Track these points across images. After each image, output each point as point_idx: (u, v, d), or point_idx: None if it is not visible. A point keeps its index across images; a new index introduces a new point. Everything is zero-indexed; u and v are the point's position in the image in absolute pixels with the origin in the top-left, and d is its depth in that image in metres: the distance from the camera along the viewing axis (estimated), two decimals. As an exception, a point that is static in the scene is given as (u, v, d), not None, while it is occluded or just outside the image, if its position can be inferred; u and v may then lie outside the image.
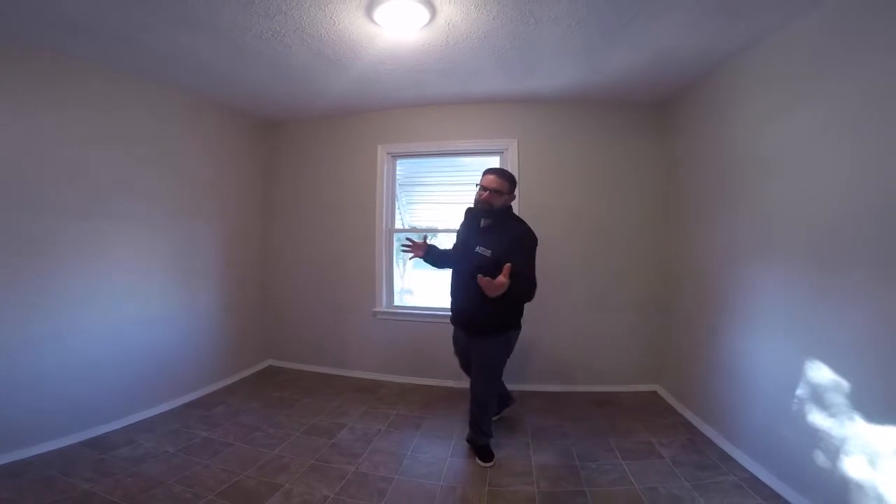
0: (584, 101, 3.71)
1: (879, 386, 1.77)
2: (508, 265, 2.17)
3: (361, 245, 4.16)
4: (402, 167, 4.24)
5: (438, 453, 2.75)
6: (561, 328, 3.77)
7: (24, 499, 2.15)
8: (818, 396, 2.05)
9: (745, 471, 2.47)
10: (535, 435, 2.98)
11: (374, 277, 4.12)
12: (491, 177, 2.53)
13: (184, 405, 3.44)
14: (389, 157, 4.15)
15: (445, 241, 2.89)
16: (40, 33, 2.43)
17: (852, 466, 1.85)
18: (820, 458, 2.01)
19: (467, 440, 2.74)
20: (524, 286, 2.30)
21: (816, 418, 2.05)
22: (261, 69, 3.05)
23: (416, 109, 4.00)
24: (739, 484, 2.35)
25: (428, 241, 2.86)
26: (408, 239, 2.82)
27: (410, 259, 2.84)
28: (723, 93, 2.87)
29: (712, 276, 2.98)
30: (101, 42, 2.58)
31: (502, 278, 2.13)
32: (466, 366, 2.82)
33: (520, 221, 2.57)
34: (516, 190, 2.68)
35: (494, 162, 3.93)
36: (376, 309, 4.11)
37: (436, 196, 4.30)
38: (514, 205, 2.76)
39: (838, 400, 1.94)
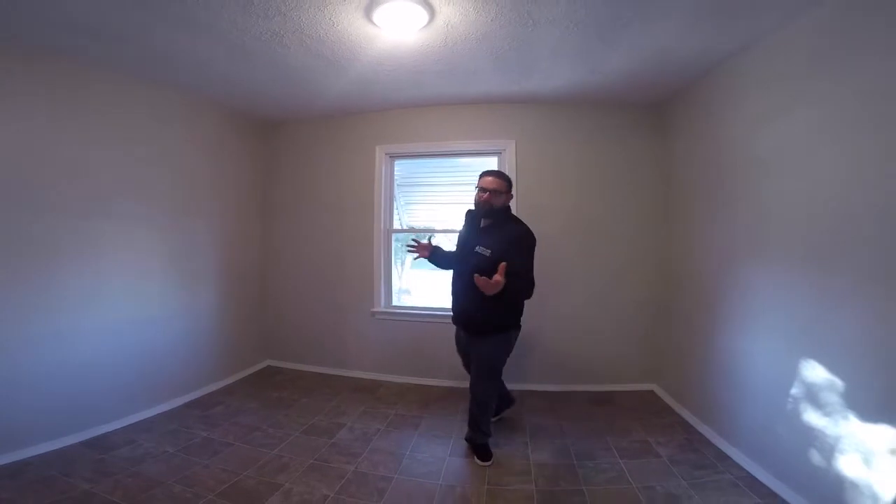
0: (582, 101, 3.73)
1: (873, 385, 1.79)
2: (503, 264, 2.21)
3: (360, 245, 4.17)
4: (401, 168, 4.25)
5: (437, 453, 2.76)
6: (559, 328, 3.79)
7: (25, 499, 2.15)
8: (813, 396, 2.07)
9: (742, 469, 2.49)
10: (533, 434, 2.99)
11: (373, 277, 4.13)
12: (489, 178, 2.58)
13: (183, 405, 3.45)
14: (388, 157, 4.16)
15: (443, 241, 2.90)
16: (40, 34, 2.44)
17: (847, 465, 1.87)
18: (815, 457, 2.03)
19: (466, 439, 2.75)
20: (522, 285, 2.34)
21: (812, 417, 2.07)
22: (260, 70, 3.06)
23: (415, 110, 4.01)
24: (736, 483, 2.37)
25: (433, 243, 2.89)
26: (413, 240, 2.88)
27: (416, 259, 2.87)
28: (721, 93, 2.88)
29: (710, 276, 3.00)
30: (100, 42, 2.58)
31: (498, 277, 2.17)
32: (468, 365, 2.84)
33: (518, 221, 2.62)
34: (513, 190, 2.73)
35: (493, 162, 3.96)
36: (375, 309, 4.12)
37: (434, 196, 4.31)
38: (513, 205, 2.80)
39: (833, 399, 1.96)
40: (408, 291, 4.44)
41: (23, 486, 2.26)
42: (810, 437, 2.06)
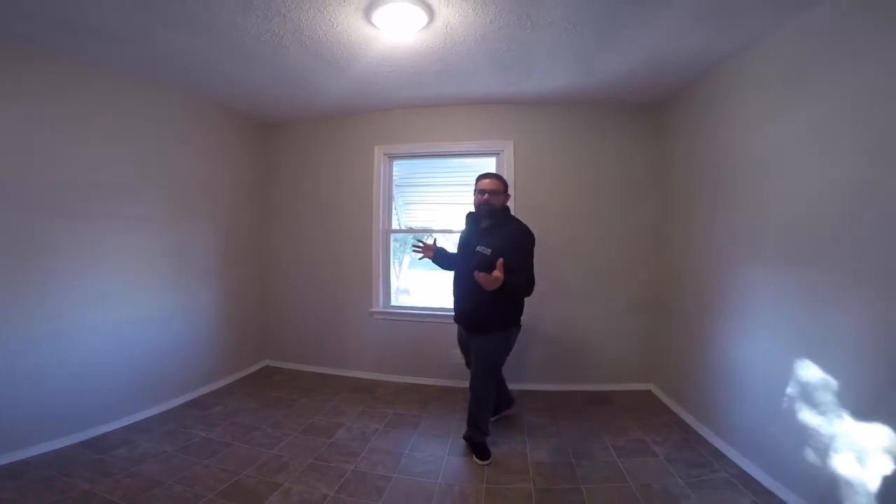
0: (580, 102, 3.74)
1: (866, 384, 1.82)
2: (500, 260, 2.29)
3: (358, 245, 4.18)
4: (399, 168, 4.26)
5: (436, 452, 2.78)
6: (557, 328, 3.80)
7: (25, 499, 2.15)
8: (808, 395, 2.09)
9: (738, 468, 2.51)
10: (531, 433, 3.01)
11: (371, 277, 4.14)
12: (487, 180, 2.69)
13: (181, 405, 3.45)
14: (386, 157, 4.16)
15: (445, 243, 2.95)
16: (39, 34, 2.43)
17: (841, 463, 1.90)
18: (810, 456, 2.05)
19: (464, 438, 2.77)
20: (521, 281, 2.42)
21: (806, 416, 2.09)
22: (259, 70, 3.06)
23: (414, 111, 4.02)
24: (732, 481, 2.39)
25: (437, 245, 2.94)
26: (418, 240, 2.93)
27: (420, 259, 2.92)
28: (719, 94, 2.89)
29: (707, 277, 3.02)
30: (99, 42, 2.58)
31: (497, 273, 2.25)
32: (470, 363, 2.86)
33: (518, 221, 2.70)
34: (510, 190, 2.83)
35: (491, 163, 3.98)
36: (373, 309, 4.13)
37: (432, 196, 4.32)
38: (511, 205, 2.87)
39: (827, 398, 1.98)
40: (406, 291, 4.45)
41: (23, 487, 2.26)
42: (805, 435, 2.09)
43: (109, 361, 3.00)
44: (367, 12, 2.29)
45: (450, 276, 2.92)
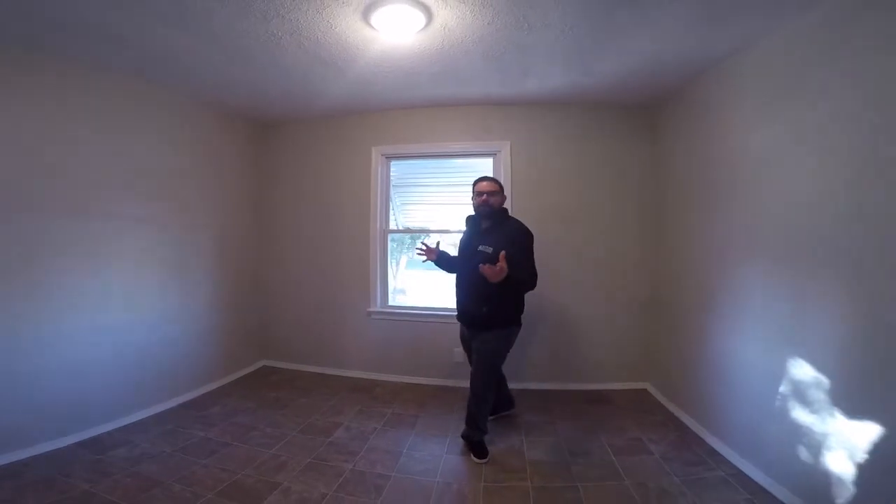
0: (577, 103, 3.77)
1: (857, 383, 1.85)
2: (503, 252, 2.38)
3: (356, 245, 4.19)
4: (396, 168, 4.27)
5: (434, 450, 2.79)
6: (554, 327, 3.83)
7: (25, 499, 2.16)
8: (801, 393, 2.12)
9: (733, 466, 2.54)
10: (528, 432, 3.03)
11: (369, 277, 4.15)
12: (484, 183, 2.80)
13: (179, 406, 3.45)
14: (384, 158, 4.17)
15: (447, 246, 3.02)
16: (38, 34, 2.43)
17: (834, 461, 1.92)
18: (804, 454, 2.08)
19: (462, 436, 2.79)
20: (525, 274, 2.51)
21: (800, 415, 2.12)
22: (257, 71, 3.07)
23: (411, 111, 4.03)
24: (727, 479, 2.42)
25: (440, 248, 3.00)
26: (422, 243, 2.99)
27: (424, 261, 3.02)
28: (716, 94, 2.90)
29: (702, 277, 3.05)
30: (99, 43, 2.58)
31: (501, 264, 2.31)
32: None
33: (516, 220, 2.80)
34: (505, 192, 2.95)
35: (488, 163, 4.00)
36: (371, 309, 4.14)
37: (429, 197, 4.34)
38: (507, 206, 2.96)
39: (819, 396, 2.01)
40: (403, 291, 4.46)
41: (22, 486, 2.26)
42: (798, 433, 2.12)
43: (108, 362, 3.01)
44: (366, 14, 2.30)
45: (447, 276, 3.02)
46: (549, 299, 3.74)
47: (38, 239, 2.65)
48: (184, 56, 2.79)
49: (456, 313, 2.92)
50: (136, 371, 3.19)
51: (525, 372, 3.80)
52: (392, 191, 4.27)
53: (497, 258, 2.39)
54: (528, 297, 2.76)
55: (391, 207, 4.28)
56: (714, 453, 2.70)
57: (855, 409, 1.86)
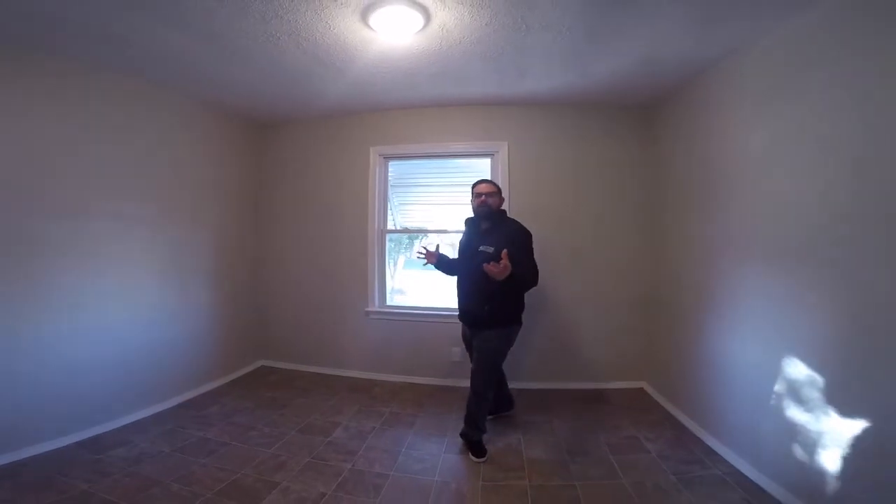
0: (574, 103, 3.78)
1: (850, 381, 1.87)
2: (505, 251, 2.41)
3: (354, 245, 4.20)
4: (394, 168, 4.28)
5: (432, 450, 2.80)
6: (551, 327, 3.84)
7: (24, 499, 2.16)
8: (796, 392, 2.14)
9: (729, 465, 2.55)
10: (526, 431, 3.04)
11: (367, 277, 4.16)
12: (483, 185, 2.88)
13: (177, 406, 3.45)
14: (382, 158, 4.18)
15: (441, 246, 3.03)
16: (38, 34, 2.43)
17: (828, 459, 1.94)
18: (798, 452, 2.10)
19: (461, 435, 2.80)
20: (527, 271, 2.56)
21: (794, 413, 2.14)
22: (256, 72, 3.07)
23: (409, 112, 4.04)
24: (723, 478, 2.43)
25: (439, 251, 3.04)
26: (423, 247, 3.03)
27: (425, 265, 3.06)
28: (714, 94, 2.90)
29: (698, 276, 3.07)
30: (93, 43, 2.58)
31: (505, 262, 2.36)
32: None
33: (515, 220, 2.85)
34: (504, 193, 3.01)
35: (485, 164, 4.01)
36: (369, 309, 4.15)
37: (427, 197, 4.35)
38: (505, 206, 3.02)
39: (814, 395, 2.03)
40: (401, 291, 4.47)
41: (22, 487, 2.26)
42: (793, 432, 2.14)
43: (107, 361, 3.01)
44: (364, 15, 2.31)
45: (445, 276, 3.08)
46: (546, 299, 3.76)
47: (38, 239, 2.65)
48: (184, 56, 2.80)
49: (457, 313, 2.95)
50: (135, 371, 3.19)
51: (523, 371, 3.81)
52: (390, 191, 4.28)
53: (498, 257, 2.42)
54: (527, 296, 2.79)
55: (389, 207, 4.28)
56: (710, 452, 2.72)
57: (847, 407, 1.88)
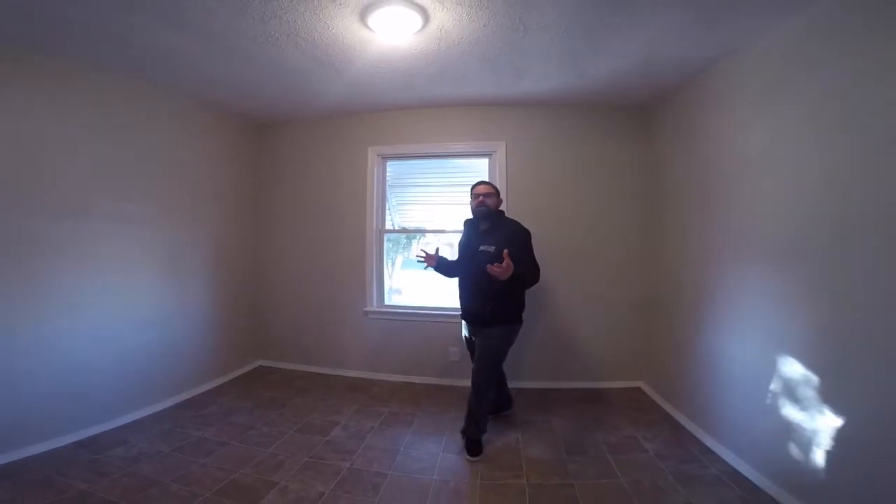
0: (571, 104, 3.80)
1: (846, 380, 1.88)
2: (506, 251, 2.44)
3: (352, 245, 4.21)
4: (392, 169, 4.29)
5: (431, 449, 2.81)
6: (549, 327, 3.86)
7: (22, 499, 2.16)
8: (791, 391, 2.15)
9: (726, 464, 2.57)
10: (524, 430, 3.05)
11: (365, 277, 4.16)
12: (481, 186, 2.94)
13: (175, 406, 3.45)
14: (380, 158, 4.19)
15: (441, 249, 3.06)
16: (37, 34, 2.44)
17: (823, 457, 1.95)
18: (794, 451, 2.11)
19: (462, 432, 2.81)
20: (528, 269, 2.61)
21: (790, 412, 2.15)
22: (255, 72, 3.08)
23: (407, 112, 4.05)
24: (720, 477, 2.45)
25: (439, 253, 3.07)
26: (422, 251, 3.04)
27: (426, 268, 3.06)
28: (712, 94, 2.91)
29: (696, 276, 3.08)
30: (94, 43, 2.58)
31: (507, 261, 2.39)
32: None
33: (513, 220, 2.89)
34: (502, 194, 3.05)
35: (483, 164, 4.03)
36: (367, 308, 4.16)
37: (425, 197, 4.35)
38: (503, 207, 3.04)
39: (809, 394, 2.04)
40: (399, 291, 4.47)
41: (20, 487, 2.26)
42: (789, 430, 2.15)
43: (106, 361, 3.01)
44: (363, 15, 2.32)
45: (444, 278, 3.12)
46: (544, 299, 3.78)
47: (38, 239, 2.65)
48: (184, 56, 2.80)
49: (457, 313, 2.97)
50: (133, 370, 3.19)
51: (522, 371, 3.81)
52: (388, 191, 4.29)
53: (498, 257, 2.45)
54: (525, 296, 2.83)
55: (387, 207, 4.29)
56: (707, 451, 2.73)
57: (841, 407, 1.89)
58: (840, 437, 1.89)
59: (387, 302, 4.29)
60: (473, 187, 2.94)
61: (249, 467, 2.55)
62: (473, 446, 2.72)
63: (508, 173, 3.88)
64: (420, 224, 4.35)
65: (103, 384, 3.00)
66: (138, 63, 2.90)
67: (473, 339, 2.89)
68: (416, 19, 2.33)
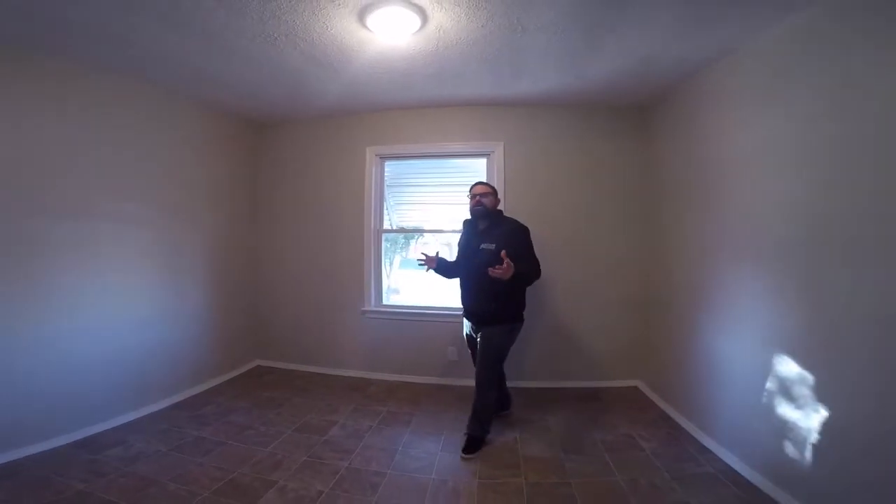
0: (569, 104, 3.81)
1: (842, 380, 1.89)
2: (504, 251, 2.48)
3: (350, 245, 4.21)
4: (390, 169, 4.29)
5: (429, 448, 2.82)
6: (546, 326, 3.86)
7: (21, 499, 2.16)
8: (787, 390, 2.16)
9: (723, 462, 2.58)
10: (522, 429, 3.06)
11: (363, 277, 4.17)
12: (479, 186, 2.96)
13: (173, 406, 3.45)
14: (378, 158, 4.20)
15: (441, 251, 3.09)
16: (37, 34, 2.44)
17: (818, 455, 1.97)
18: (790, 449, 2.12)
19: (466, 429, 2.82)
20: (529, 266, 2.67)
21: (786, 411, 2.17)
22: (253, 72, 3.08)
23: (405, 112, 4.05)
24: (717, 475, 2.46)
25: (438, 255, 3.08)
26: (422, 253, 3.06)
27: (427, 271, 3.06)
28: (709, 95, 2.91)
29: (693, 276, 3.09)
30: (94, 43, 2.58)
31: (506, 262, 2.43)
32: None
33: (512, 219, 2.92)
34: (499, 194, 3.12)
35: (481, 164, 4.04)
36: (365, 308, 4.17)
37: (423, 196, 4.36)
38: (500, 207, 3.05)
39: (804, 392, 2.06)
40: (396, 291, 4.48)
41: (19, 487, 2.27)
42: (785, 429, 2.16)
43: (105, 361, 3.01)
44: (361, 16, 2.32)
45: (444, 280, 3.14)
46: (542, 298, 3.78)
47: (38, 239, 2.66)
48: (184, 56, 2.80)
49: (457, 312, 2.99)
50: (132, 370, 3.19)
51: (520, 370, 3.82)
52: (386, 191, 4.30)
53: (498, 255, 2.48)
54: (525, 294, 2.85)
55: (385, 207, 4.30)
56: (704, 450, 2.74)
57: (836, 405, 1.91)
58: (835, 434, 1.90)
59: (385, 302, 4.29)
60: (471, 188, 2.96)
61: (248, 467, 2.56)
62: (471, 443, 2.74)
63: (506, 173, 3.89)
64: (418, 224, 4.35)
65: (102, 384, 3.00)
66: (138, 63, 2.90)
67: (476, 337, 2.89)
68: (415, 20, 2.34)
